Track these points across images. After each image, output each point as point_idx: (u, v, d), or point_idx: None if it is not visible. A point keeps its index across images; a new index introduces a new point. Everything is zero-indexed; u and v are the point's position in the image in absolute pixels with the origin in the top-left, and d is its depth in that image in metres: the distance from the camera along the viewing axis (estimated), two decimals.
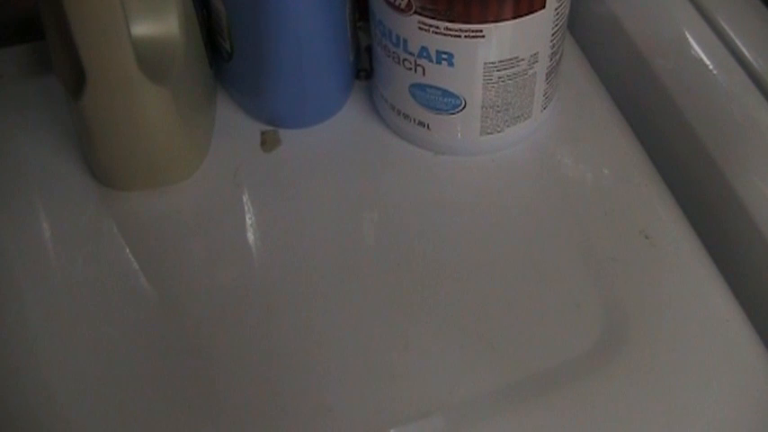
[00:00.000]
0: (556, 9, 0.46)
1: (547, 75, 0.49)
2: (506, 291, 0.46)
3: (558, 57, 0.50)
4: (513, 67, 0.47)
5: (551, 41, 0.48)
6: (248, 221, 0.50)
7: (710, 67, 0.53)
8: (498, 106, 0.49)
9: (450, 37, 0.45)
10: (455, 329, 0.45)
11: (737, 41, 0.53)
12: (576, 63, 0.57)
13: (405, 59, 0.48)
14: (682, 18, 0.55)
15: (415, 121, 0.51)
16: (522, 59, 0.47)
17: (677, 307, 0.45)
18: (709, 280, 0.46)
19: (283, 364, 0.43)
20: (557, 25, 0.47)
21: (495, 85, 0.48)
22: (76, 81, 0.44)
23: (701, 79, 0.53)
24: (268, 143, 0.52)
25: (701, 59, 0.54)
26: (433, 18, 0.45)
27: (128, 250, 0.49)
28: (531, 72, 0.48)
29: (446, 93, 0.48)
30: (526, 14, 0.45)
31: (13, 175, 0.51)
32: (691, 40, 0.54)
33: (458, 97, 0.48)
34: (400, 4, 0.46)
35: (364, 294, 0.46)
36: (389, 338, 0.44)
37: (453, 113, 0.49)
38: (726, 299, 0.46)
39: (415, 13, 0.45)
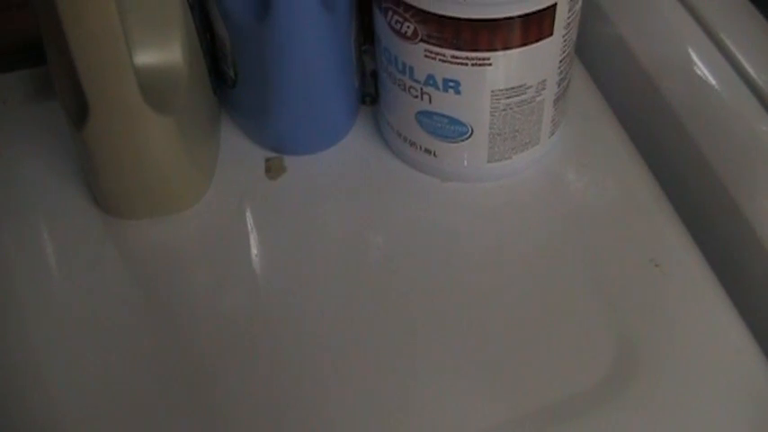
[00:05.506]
0: (563, 36, 0.46)
1: (555, 101, 0.49)
2: (514, 320, 0.46)
3: (565, 83, 0.49)
4: (520, 94, 0.47)
5: (559, 68, 0.47)
6: (253, 249, 0.50)
7: (717, 87, 0.53)
8: (506, 133, 0.48)
9: (456, 65, 0.45)
10: (462, 359, 0.44)
11: (744, 62, 0.53)
12: (583, 85, 0.56)
13: (411, 87, 0.47)
14: (688, 38, 0.55)
15: (421, 148, 0.50)
16: (530, 86, 0.47)
17: (688, 337, 0.45)
18: (721, 309, 0.46)
19: (289, 393, 0.43)
20: (564, 52, 0.47)
21: (503, 112, 0.47)
22: (79, 110, 0.44)
23: (708, 100, 0.53)
24: (273, 170, 0.52)
25: (708, 80, 0.53)
26: (439, 46, 0.45)
27: (132, 279, 0.49)
28: (538, 99, 0.48)
29: (453, 120, 0.48)
30: (534, 42, 0.45)
31: (17, 201, 0.51)
32: (697, 60, 0.54)
33: (465, 125, 0.48)
34: (406, 32, 0.45)
35: (370, 323, 0.46)
36: (396, 368, 0.44)
37: (460, 141, 0.49)
38: (737, 329, 0.45)
39: (422, 41, 0.45)
